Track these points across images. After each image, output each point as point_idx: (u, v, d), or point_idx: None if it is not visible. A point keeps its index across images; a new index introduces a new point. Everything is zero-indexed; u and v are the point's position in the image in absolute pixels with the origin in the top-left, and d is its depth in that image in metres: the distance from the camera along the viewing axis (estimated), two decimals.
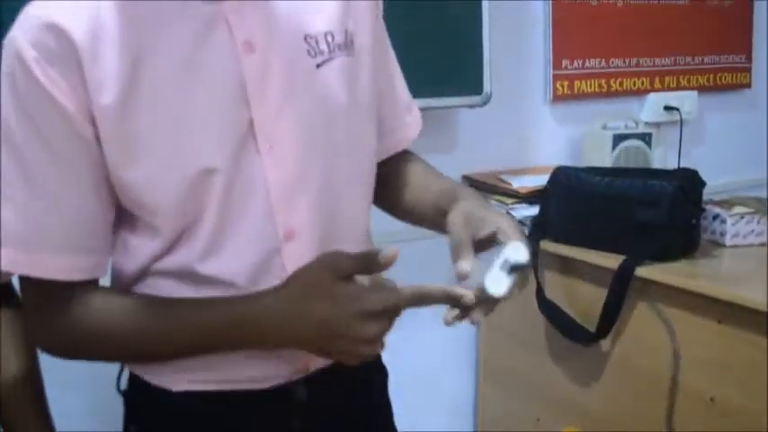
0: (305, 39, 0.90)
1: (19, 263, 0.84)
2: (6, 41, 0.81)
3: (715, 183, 2.54)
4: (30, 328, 0.94)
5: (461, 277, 0.85)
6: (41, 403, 1.09)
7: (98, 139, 0.82)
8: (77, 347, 0.90)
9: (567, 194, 1.96)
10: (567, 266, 1.99)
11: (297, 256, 0.88)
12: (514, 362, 2.18)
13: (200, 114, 0.83)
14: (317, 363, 0.93)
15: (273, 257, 0.89)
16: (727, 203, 2.02)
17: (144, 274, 0.90)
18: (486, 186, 2.21)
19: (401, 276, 0.86)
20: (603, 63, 2.51)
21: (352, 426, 1.00)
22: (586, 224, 1.91)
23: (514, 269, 0.86)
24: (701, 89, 2.70)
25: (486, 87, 2.12)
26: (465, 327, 2.35)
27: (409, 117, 1.12)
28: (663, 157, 2.54)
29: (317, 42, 0.90)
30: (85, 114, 0.81)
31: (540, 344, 2.06)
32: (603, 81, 2.52)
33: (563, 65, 2.43)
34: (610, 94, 2.54)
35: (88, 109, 0.81)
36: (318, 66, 0.90)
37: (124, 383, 1.01)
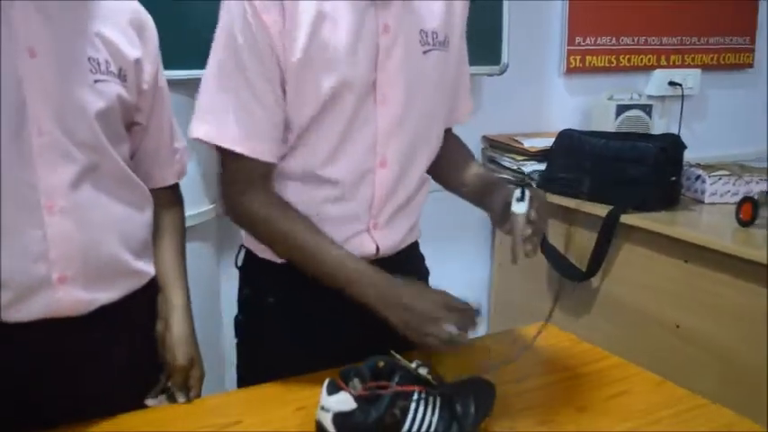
0: (420, 32, 1.24)
1: (239, 143, 1.17)
2: None
3: (715, 154, 2.81)
4: (224, 196, 1.24)
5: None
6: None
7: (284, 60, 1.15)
8: (249, 222, 1.24)
9: (569, 153, 2.27)
10: (568, 215, 2.29)
11: (383, 178, 1.24)
12: (521, 296, 2.49)
13: (345, 62, 1.16)
14: (382, 251, 1.27)
15: (368, 175, 1.23)
16: (711, 167, 2.31)
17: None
18: (501, 145, 2.51)
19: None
20: (614, 40, 2.75)
21: None
22: (584, 179, 2.21)
23: (522, 198, 1.16)
24: (705, 67, 2.94)
25: (505, 58, 2.40)
26: (481, 266, 2.65)
27: (466, 101, 1.45)
28: (665, 128, 2.80)
29: (426, 36, 1.24)
30: (283, 43, 1.14)
31: (541, 282, 2.37)
32: (613, 57, 2.77)
33: (576, 41, 2.68)
34: (619, 69, 2.78)
35: (285, 39, 1.14)
36: (425, 53, 1.24)
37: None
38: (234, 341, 1.38)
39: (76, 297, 1.09)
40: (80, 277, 1.09)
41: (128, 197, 1.17)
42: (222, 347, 1.96)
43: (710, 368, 1.88)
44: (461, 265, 2.57)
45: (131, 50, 1.16)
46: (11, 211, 1.04)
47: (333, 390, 0.99)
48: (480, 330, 1.25)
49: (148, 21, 1.21)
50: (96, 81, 1.10)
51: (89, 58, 1.09)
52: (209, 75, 1.19)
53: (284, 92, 1.18)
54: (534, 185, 2.32)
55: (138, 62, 1.17)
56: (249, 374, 1.32)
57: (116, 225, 1.14)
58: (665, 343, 1.99)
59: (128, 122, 1.19)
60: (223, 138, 1.17)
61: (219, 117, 1.17)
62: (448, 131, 1.42)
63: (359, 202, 1.25)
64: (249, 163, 1.19)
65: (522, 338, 1.37)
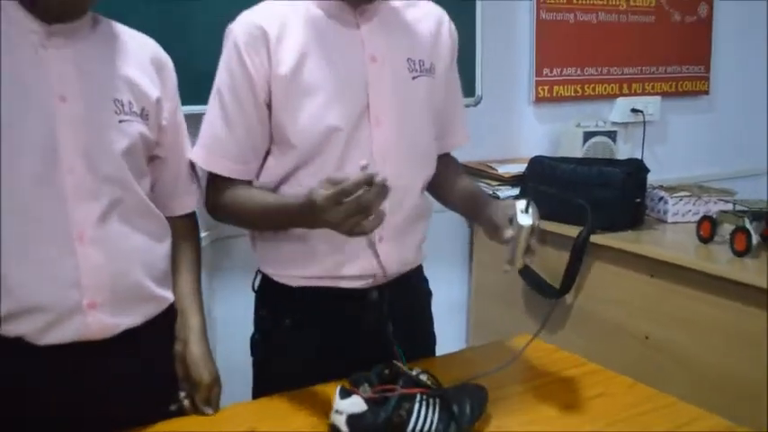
0: (407, 60, 1.39)
1: (208, 162, 1.36)
2: (227, 32, 1.33)
3: (676, 175, 2.99)
4: (206, 201, 1.43)
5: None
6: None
7: (270, 97, 1.31)
8: (227, 215, 1.41)
9: (541, 179, 2.41)
10: (541, 236, 2.41)
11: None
12: (497, 315, 2.62)
13: (337, 94, 1.31)
14: (388, 272, 1.38)
15: None
16: (673, 189, 2.47)
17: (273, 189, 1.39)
18: (477, 171, 2.63)
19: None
20: (579, 71, 2.91)
21: (405, 321, 1.42)
22: (555, 202, 2.33)
23: (527, 210, 1.29)
24: (665, 95, 3.12)
25: (479, 91, 2.55)
26: (459, 288, 2.77)
27: (461, 132, 1.59)
28: (629, 153, 2.97)
29: (414, 63, 1.39)
30: (266, 81, 1.30)
31: (518, 300, 2.50)
32: (579, 86, 2.92)
33: (544, 73, 2.84)
34: (584, 98, 2.94)
35: (267, 78, 1.29)
36: (413, 78, 1.39)
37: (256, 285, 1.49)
38: (242, 358, 1.49)
39: (104, 322, 1.19)
40: (107, 303, 1.19)
41: (149, 228, 1.28)
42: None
43: (678, 374, 2.02)
44: (439, 286, 2.68)
45: (152, 90, 1.28)
46: (46, 242, 1.15)
47: (345, 394, 1.10)
48: (461, 346, 1.37)
49: (167, 61, 1.34)
50: (121, 121, 1.21)
51: (114, 100, 1.21)
52: (209, 104, 1.38)
53: (270, 123, 1.34)
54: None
55: (158, 101, 1.29)
56: (264, 389, 1.42)
57: (139, 255, 1.25)
58: (635, 353, 2.13)
59: (148, 157, 1.30)
60: (204, 159, 1.37)
61: (205, 142, 1.37)
62: (446, 155, 1.56)
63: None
64: (224, 180, 1.37)
65: (508, 349, 1.50)
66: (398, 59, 1.38)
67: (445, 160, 1.57)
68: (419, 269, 1.55)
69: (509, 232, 1.29)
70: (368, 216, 1.13)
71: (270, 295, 1.46)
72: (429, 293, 1.61)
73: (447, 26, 1.48)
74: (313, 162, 1.34)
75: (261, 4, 1.36)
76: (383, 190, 1.11)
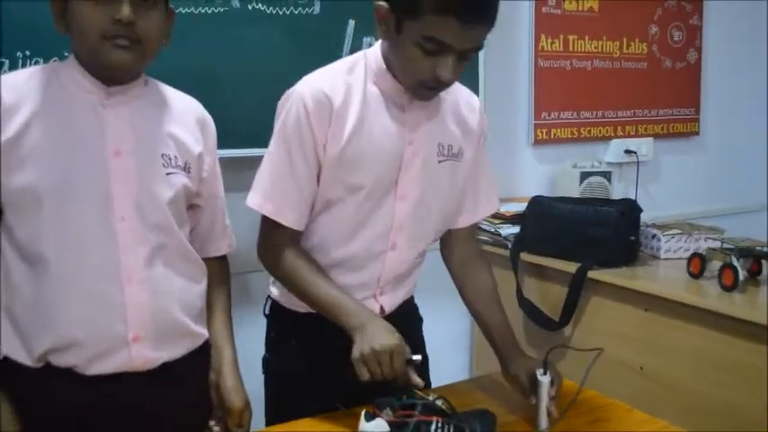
0: (438, 144, 1.51)
1: (276, 212, 1.43)
2: (295, 93, 1.42)
3: (668, 212, 3.13)
4: (263, 256, 1.49)
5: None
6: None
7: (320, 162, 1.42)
8: (283, 275, 1.48)
9: (540, 217, 2.55)
10: (540, 272, 2.56)
11: (392, 258, 1.51)
12: None
13: (374, 165, 1.43)
14: (386, 310, 1.53)
15: (380, 255, 1.50)
16: (666, 227, 2.61)
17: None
18: None
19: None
20: (575, 115, 3.07)
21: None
22: (554, 239, 2.49)
23: (545, 372, 1.41)
24: (657, 136, 3.28)
25: None
26: (463, 321, 2.88)
27: (487, 203, 1.68)
28: (624, 191, 3.13)
29: (443, 149, 1.51)
30: (324, 144, 1.41)
31: (519, 332, 2.62)
32: (575, 129, 3.08)
33: (542, 116, 2.99)
34: (580, 140, 3.09)
35: (324, 144, 1.41)
36: (440, 162, 1.52)
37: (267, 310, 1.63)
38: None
39: (146, 355, 1.32)
40: (150, 338, 1.32)
41: (188, 271, 1.41)
42: None
43: (671, 402, 2.13)
44: (444, 317, 2.81)
45: (195, 146, 1.42)
46: (100, 282, 1.28)
47: (369, 417, 1.23)
48: (466, 376, 1.49)
49: (209, 119, 1.49)
50: (168, 174, 1.35)
51: (162, 155, 1.35)
52: (266, 156, 1.46)
53: (319, 178, 1.45)
54: (510, 246, 2.59)
55: (200, 156, 1.43)
56: (276, 402, 1.57)
57: (179, 295, 1.38)
58: (631, 382, 2.24)
59: (188, 205, 1.44)
60: (272, 212, 1.44)
61: (268, 192, 1.44)
62: (471, 233, 1.69)
63: (369, 275, 1.53)
64: (284, 230, 1.45)
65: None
66: (430, 144, 1.49)
67: (466, 236, 1.69)
68: (411, 300, 1.70)
69: (534, 399, 1.43)
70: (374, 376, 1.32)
71: (278, 319, 1.61)
72: (420, 319, 1.75)
73: (479, 113, 1.60)
74: (333, 218, 1.48)
75: (324, 71, 1.46)
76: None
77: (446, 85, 1.38)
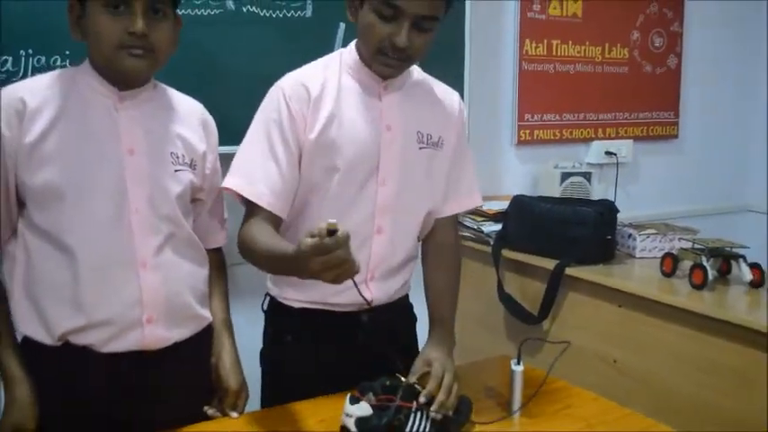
0: (417, 132, 1.60)
1: (251, 191, 1.47)
2: (274, 86, 1.53)
3: (646, 212, 3.23)
4: (238, 240, 1.49)
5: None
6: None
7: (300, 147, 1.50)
8: (243, 250, 1.48)
9: (521, 216, 2.64)
10: (520, 268, 2.65)
11: (379, 243, 1.59)
12: (480, 340, 2.82)
13: (349, 149, 1.51)
14: (375, 301, 1.60)
15: (367, 240, 1.58)
16: (642, 227, 2.70)
17: (288, 226, 1.57)
18: None
19: None
20: (558, 117, 3.16)
21: (392, 341, 1.66)
22: (534, 237, 2.58)
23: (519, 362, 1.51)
24: (637, 138, 3.38)
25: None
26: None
27: (469, 197, 1.77)
28: (604, 192, 3.20)
29: (422, 136, 1.60)
30: (304, 128, 1.49)
31: (499, 326, 2.72)
32: (557, 131, 3.17)
33: (525, 118, 3.08)
34: (562, 141, 3.19)
35: (303, 129, 1.49)
36: (420, 149, 1.61)
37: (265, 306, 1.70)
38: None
39: (158, 334, 1.42)
40: (162, 319, 1.42)
41: (194, 257, 1.51)
42: None
43: (642, 394, 2.23)
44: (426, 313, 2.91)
45: (200, 145, 1.52)
46: (117, 268, 1.39)
47: (354, 400, 1.33)
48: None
49: (211, 120, 1.59)
50: (176, 171, 1.46)
51: (171, 153, 1.46)
52: (244, 144, 1.54)
53: (299, 163, 1.52)
54: (492, 243, 2.69)
55: (204, 154, 1.53)
56: (272, 394, 1.66)
57: (187, 279, 1.49)
58: (605, 375, 2.34)
59: (193, 199, 1.54)
60: (246, 189, 1.50)
61: (247, 174, 1.51)
62: (449, 223, 1.76)
63: (358, 260, 1.60)
64: (261, 211, 1.50)
65: (489, 368, 1.72)
66: (409, 130, 1.59)
67: (444, 224, 1.75)
68: (405, 298, 1.78)
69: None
70: (344, 267, 1.23)
71: (275, 315, 1.69)
72: (415, 318, 1.83)
73: (458, 107, 1.70)
74: (319, 203, 1.55)
75: (304, 67, 1.58)
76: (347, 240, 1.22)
77: (402, 51, 1.46)
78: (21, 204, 1.39)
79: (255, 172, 1.50)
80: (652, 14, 3.36)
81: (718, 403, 2.05)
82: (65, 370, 1.40)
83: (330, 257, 1.19)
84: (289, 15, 2.33)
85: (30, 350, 1.41)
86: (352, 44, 1.59)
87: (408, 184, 1.60)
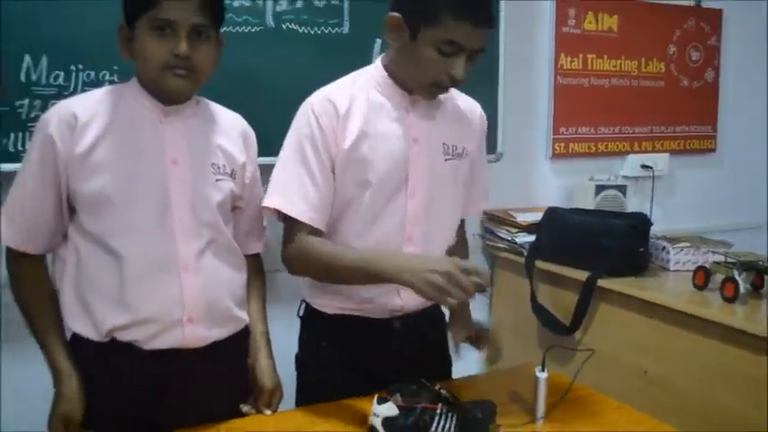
0: (443, 144, 1.67)
1: (291, 209, 1.56)
2: (304, 103, 1.60)
3: (682, 226, 3.23)
4: (283, 255, 1.61)
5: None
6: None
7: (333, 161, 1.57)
8: (304, 262, 1.60)
9: (554, 227, 2.68)
10: (553, 279, 2.68)
11: (410, 252, 1.64)
12: (513, 350, 2.84)
13: (380, 163, 1.59)
14: (407, 308, 1.67)
15: (398, 250, 1.63)
16: (676, 239, 2.71)
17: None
18: (498, 219, 2.92)
19: None
20: (593, 130, 3.19)
21: (424, 346, 1.73)
22: (566, 248, 2.61)
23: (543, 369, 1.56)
24: (673, 152, 3.39)
25: (500, 148, 2.84)
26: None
27: (482, 200, 1.87)
28: (639, 205, 3.22)
29: (447, 147, 1.67)
30: (334, 141, 1.56)
31: (532, 336, 2.75)
32: (592, 144, 3.20)
33: (561, 131, 3.12)
34: (597, 154, 3.21)
35: (335, 138, 1.56)
36: (446, 160, 1.68)
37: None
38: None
39: (198, 334, 1.50)
40: (202, 319, 1.50)
41: (233, 262, 1.59)
42: None
43: (671, 405, 2.23)
44: None
45: (240, 156, 1.60)
46: (161, 271, 1.47)
47: (381, 401, 1.38)
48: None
49: (251, 132, 1.67)
50: (217, 180, 1.54)
51: (212, 164, 1.54)
52: (280, 162, 1.61)
53: (333, 177, 1.60)
54: (525, 254, 2.73)
55: (243, 165, 1.61)
56: (306, 397, 1.72)
57: (226, 283, 1.56)
58: (635, 386, 2.36)
59: (233, 207, 1.62)
60: (286, 207, 1.58)
61: (285, 192, 1.58)
62: (461, 223, 1.84)
63: None
64: (303, 226, 1.58)
65: (516, 375, 1.76)
66: (435, 143, 1.66)
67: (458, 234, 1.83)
68: (437, 306, 1.81)
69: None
70: (457, 295, 1.39)
71: (311, 321, 1.76)
72: (442, 318, 1.87)
73: (479, 117, 1.78)
74: (348, 215, 1.62)
75: (332, 84, 1.65)
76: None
77: (458, 83, 1.55)
78: (71, 210, 1.48)
79: (293, 189, 1.58)
80: (689, 29, 3.37)
81: (746, 415, 2.05)
82: (111, 365, 1.48)
83: (461, 279, 1.38)
84: (326, 32, 2.42)
85: (78, 346, 1.50)
86: (379, 61, 1.66)
87: (436, 195, 1.66)
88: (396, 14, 1.54)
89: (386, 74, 1.63)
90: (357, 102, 1.60)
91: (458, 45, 1.50)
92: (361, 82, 1.64)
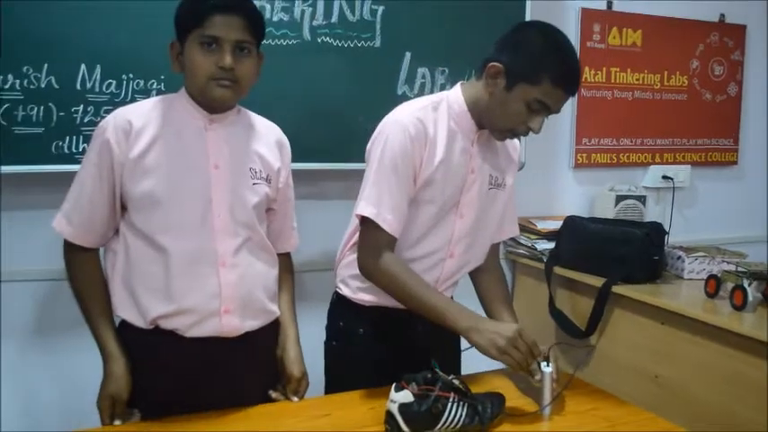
0: (490, 175, 1.84)
1: (382, 218, 1.70)
2: (397, 123, 1.72)
3: (702, 237, 3.31)
4: (361, 258, 1.76)
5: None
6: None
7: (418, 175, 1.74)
8: (380, 276, 1.74)
9: (573, 235, 2.78)
10: (571, 285, 2.79)
11: (449, 265, 1.83)
12: None
13: (446, 187, 1.75)
14: None
15: (440, 262, 1.82)
16: (692, 249, 2.79)
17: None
18: (519, 226, 3.01)
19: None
20: (615, 141, 3.28)
21: (440, 340, 1.85)
22: (584, 256, 2.72)
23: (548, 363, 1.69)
24: (695, 164, 3.46)
25: (522, 158, 2.94)
26: None
27: (512, 226, 2.03)
28: (660, 215, 3.31)
29: (493, 179, 1.86)
30: (420, 164, 1.72)
31: (550, 339, 2.83)
32: (614, 155, 3.29)
33: (583, 142, 3.21)
34: (619, 165, 3.30)
35: (420, 163, 1.72)
36: (489, 189, 1.86)
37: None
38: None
39: (233, 324, 1.64)
40: (237, 310, 1.64)
41: (266, 259, 1.74)
42: None
43: (681, 409, 2.32)
44: None
45: (275, 162, 1.75)
46: (201, 265, 1.62)
47: (398, 389, 1.51)
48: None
49: (286, 140, 1.82)
50: (254, 184, 1.69)
51: (250, 169, 1.69)
52: (372, 174, 1.73)
53: None
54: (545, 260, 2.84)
55: (278, 170, 1.76)
56: (337, 386, 1.85)
57: (259, 277, 1.71)
58: (646, 389, 2.45)
59: (267, 208, 1.76)
60: (380, 218, 1.71)
61: (378, 203, 1.71)
62: (496, 246, 2.01)
63: (430, 277, 1.82)
64: (386, 235, 1.73)
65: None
66: (485, 173, 1.83)
67: (493, 248, 2.00)
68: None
69: (537, 378, 1.70)
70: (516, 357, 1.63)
71: (347, 310, 1.90)
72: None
73: (517, 151, 1.96)
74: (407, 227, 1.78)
75: (413, 106, 1.77)
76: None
77: (528, 133, 1.73)
78: (123, 209, 1.63)
79: (384, 201, 1.71)
80: (712, 44, 3.44)
81: (753, 420, 2.13)
82: (155, 350, 1.63)
83: (521, 345, 1.64)
84: (359, 45, 2.56)
85: (125, 332, 1.65)
86: (459, 92, 1.80)
87: (480, 219, 1.85)
88: (498, 64, 1.68)
89: (465, 106, 1.78)
90: (440, 129, 1.76)
91: (546, 106, 1.68)
92: (443, 109, 1.78)
